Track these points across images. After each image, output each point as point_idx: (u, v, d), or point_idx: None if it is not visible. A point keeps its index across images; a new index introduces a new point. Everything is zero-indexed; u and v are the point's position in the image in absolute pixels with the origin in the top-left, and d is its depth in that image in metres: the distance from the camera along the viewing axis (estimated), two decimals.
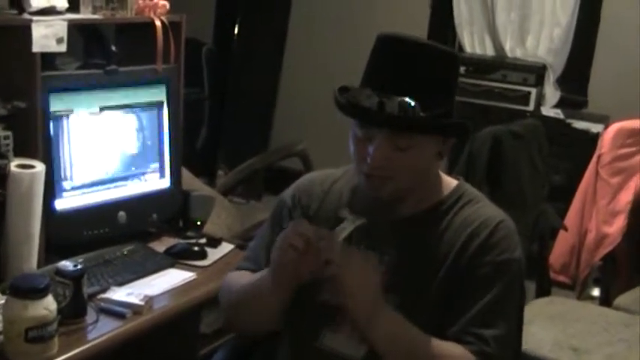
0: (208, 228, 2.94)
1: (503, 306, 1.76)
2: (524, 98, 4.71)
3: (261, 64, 5.66)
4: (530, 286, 3.08)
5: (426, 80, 1.73)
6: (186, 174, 3.08)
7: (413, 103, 1.69)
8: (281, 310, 1.85)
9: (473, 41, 5.19)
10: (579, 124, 4.65)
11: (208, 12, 5.78)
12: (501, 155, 3.02)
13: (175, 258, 2.62)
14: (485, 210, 1.85)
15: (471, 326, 1.73)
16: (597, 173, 3.50)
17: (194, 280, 2.51)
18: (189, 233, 2.81)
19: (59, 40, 2.36)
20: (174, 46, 2.76)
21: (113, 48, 2.95)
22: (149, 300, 2.27)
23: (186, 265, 2.60)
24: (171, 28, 2.73)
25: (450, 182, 1.92)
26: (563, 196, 3.90)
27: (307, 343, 1.85)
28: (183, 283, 2.48)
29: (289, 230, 1.76)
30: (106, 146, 2.62)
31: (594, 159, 3.54)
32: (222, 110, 5.32)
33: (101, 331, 2.12)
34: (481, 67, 4.89)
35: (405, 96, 1.69)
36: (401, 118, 1.70)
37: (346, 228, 1.76)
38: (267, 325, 1.91)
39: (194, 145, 4.89)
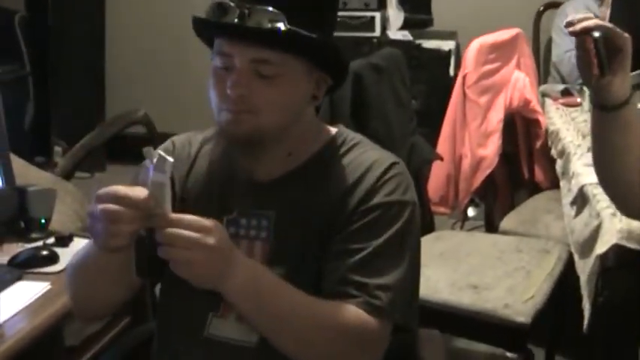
0: (55, 220, 2.59)
1: (392, 252, 1.54)
2: (369, 24, 4.56)
3: (82, 27, 5.22)
4: None
5: None
6: (17, 162, 2.74)
7: (280, 15, 1.49)
8: (122, 269, 1.53)
9: None
10: (429, 44, 4.59)
11: None
12: (364, 92, 2.82)
13: (22, 268, 2.28)
14: (370, 154, 1.64)
15: (353, 274, 1.50)
16: (464, 95, 3.34)
17: (49, 290, 2.18)
18: (33, 235, 2.45)
19: None
20: None
21: None
22: None
23: (36, 274, 2.26)
24: None
25: (329, 130, 1.70)
26: (425, 120, 3.75)
27: (195, 336, 1.60)
28: (36, 297, 2.15)
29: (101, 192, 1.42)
30: None
31: (459, 80, 3.37)
32: (47, 82, 4.92)
33: None
34: None
35: (269, 6, 1.48)
36: (261, 30, 1.48)
37: (164, 183, 1.38)
38: (114, 294, 1.68)
39: (22, 125, 4.51)
